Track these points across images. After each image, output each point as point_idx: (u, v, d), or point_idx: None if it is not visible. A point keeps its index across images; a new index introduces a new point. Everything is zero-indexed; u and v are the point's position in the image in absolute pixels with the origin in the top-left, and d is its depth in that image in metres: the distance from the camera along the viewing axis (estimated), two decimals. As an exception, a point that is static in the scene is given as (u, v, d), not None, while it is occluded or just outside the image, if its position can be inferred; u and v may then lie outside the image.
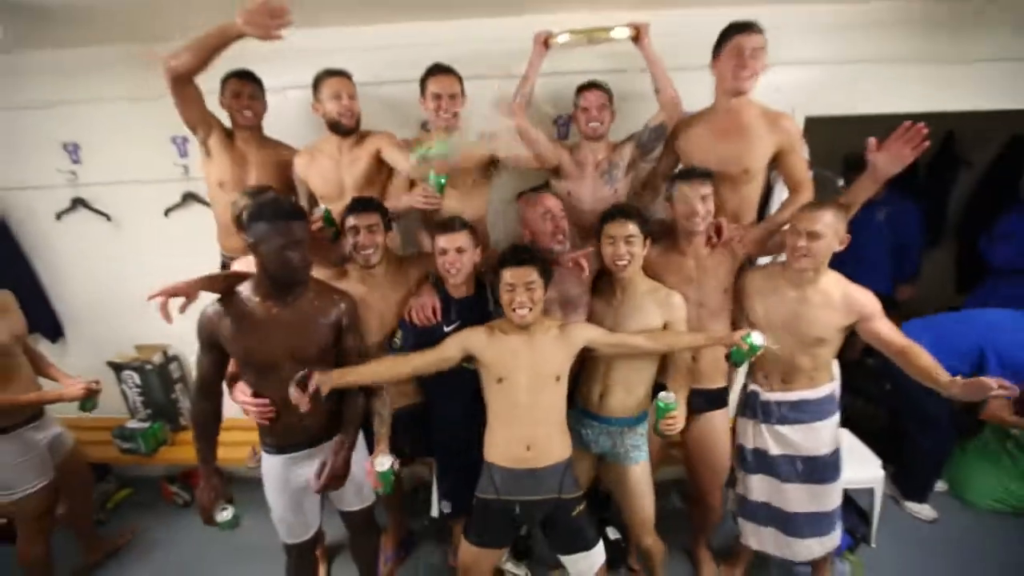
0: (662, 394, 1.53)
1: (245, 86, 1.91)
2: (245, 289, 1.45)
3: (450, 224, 1.67)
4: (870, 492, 2.16)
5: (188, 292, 1.38)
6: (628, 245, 1.58)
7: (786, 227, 1.61)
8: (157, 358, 2.51)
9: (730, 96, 1.71)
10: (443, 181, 1.70)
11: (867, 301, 1.57)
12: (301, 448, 1.57)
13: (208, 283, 1.43)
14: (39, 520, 1.93)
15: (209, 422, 1.53)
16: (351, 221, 1.63)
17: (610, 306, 1.68)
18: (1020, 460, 2.33)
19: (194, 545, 2.37)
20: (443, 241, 1.65)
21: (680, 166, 1.88)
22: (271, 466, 1.59)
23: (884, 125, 2.54)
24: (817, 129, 2.07)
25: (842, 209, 1.53)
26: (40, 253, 2.52)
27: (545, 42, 1.82)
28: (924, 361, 1.49)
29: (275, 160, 1.98)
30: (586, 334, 1.59)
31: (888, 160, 1.49)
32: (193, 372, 2.60)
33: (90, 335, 2.64)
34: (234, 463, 2.47)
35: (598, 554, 1.61)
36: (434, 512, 1.93)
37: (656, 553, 1.80)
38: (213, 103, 1.89)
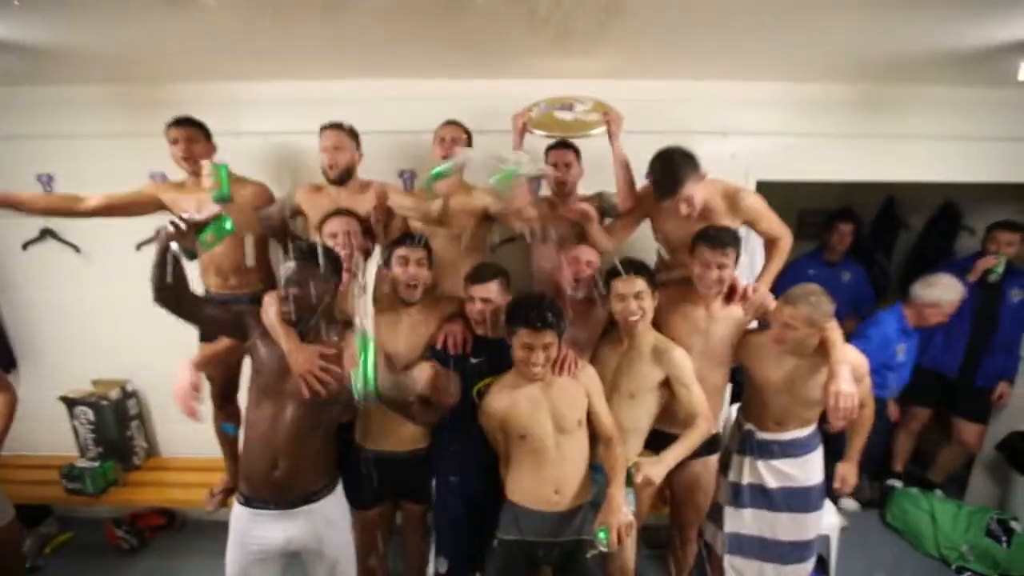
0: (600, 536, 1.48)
1: (182, 132, 1.93)
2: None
3: (480, 274, 1.70)
4: (827, 539, 2.21)
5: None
6: (638, 300, 1.62)
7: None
8: (114, 393, 2.43)
9: None
10: (439, 172, 1.70)
11: (860, 363, 1.66)
12: (269, 506, 1.47)
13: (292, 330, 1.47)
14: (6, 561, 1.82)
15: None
16: (401, 252, 1.66)
17: (615, 352, 1.72)
18: (938, 509, 2.47)
19: (138, 595, 2.24)
20: (474, 291, 1.68)
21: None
22: (237, 517, 1.51)
23: (831, 187, 2.77)
24: (768, 189, 2.24)
25: (820, 301, 1.59)
26: (1, 283, 2.46)
27: (523, 127, 1.91)
28: (867, 422, 1.77)
29: (241, 201, 1.98)
30: (593, 384, 1.61)
31: None
32: (152, 408, 2.57)
33: (45, 368, 2.55)
34: (191, 505, 2.39)
35: None
36: (430, 571, 1.84)
37: None
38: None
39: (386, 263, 1.69)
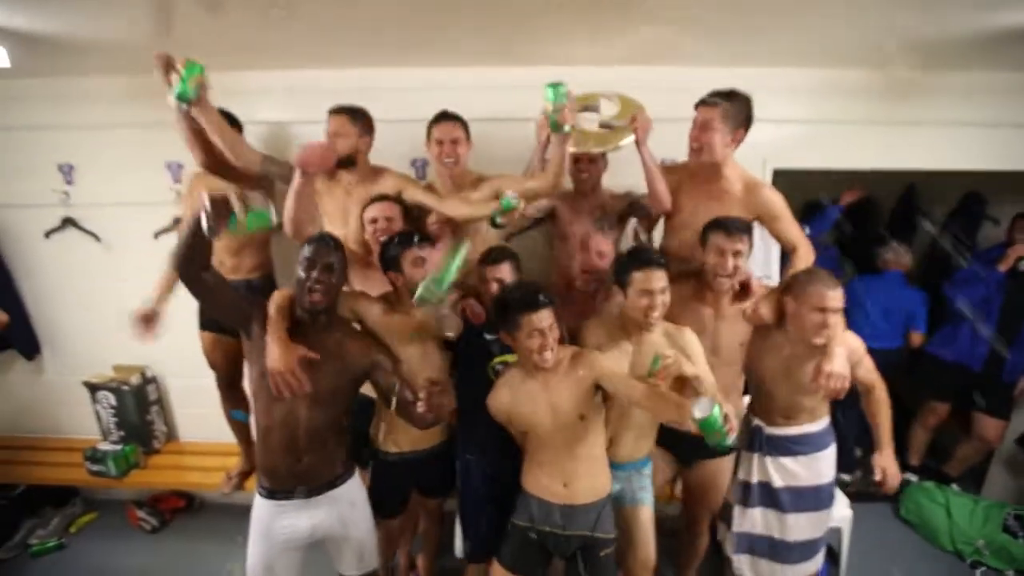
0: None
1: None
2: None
3: (494, 256, 1.72)
4: (838, 532, 2.20)
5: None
6: (662, 295, 1.54)
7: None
8: (135, 379, 2.50)
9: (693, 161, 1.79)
10: (513, 203, 1.72)
11: (857, 346, 1.65)
12: (293, 496, 1.47)
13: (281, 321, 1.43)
14: None
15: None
16: (417, 253, 1.61)
17: (627, 344, 1.64)
18: (954, 504, 2.44)
19: (158, 574, 2.31)
20: (489, 272, 1.70)
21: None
22: (259, 511, 1.51)
23: (851, 177, 2.71)
24: (786, 179, 2.20)
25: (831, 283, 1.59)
26: (24, 270, 2.52)
27: (547, 139, 1.84)
28: (883, 407, 1.70)
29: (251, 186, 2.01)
30: (597, 367, 1.51)
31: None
32: (171, 394, 2.63)
33: (68, 354, 2.62)
34: (209, 488, 2.45)
35: None
36: (457, 552, 1.88)
37: None
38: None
39: (390, 266, 1.65)
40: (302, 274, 1.42)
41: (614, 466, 1.69)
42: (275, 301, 1.46)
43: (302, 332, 1.44)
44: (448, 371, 1.75)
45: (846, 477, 2.69)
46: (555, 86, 1.59)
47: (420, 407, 1.32)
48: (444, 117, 1.92)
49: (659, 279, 1.53)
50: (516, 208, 1.72)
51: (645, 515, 1.72)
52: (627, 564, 1.74)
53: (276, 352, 1.37)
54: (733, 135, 1.73)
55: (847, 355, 1.60)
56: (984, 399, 2.58)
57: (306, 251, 1.44)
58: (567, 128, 1.61)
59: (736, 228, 1.61)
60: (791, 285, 1.65)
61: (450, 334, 1.67)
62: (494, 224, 1.77)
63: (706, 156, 1.73)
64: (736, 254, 1.60)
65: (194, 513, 2.70)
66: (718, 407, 1.23)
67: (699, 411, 1.24)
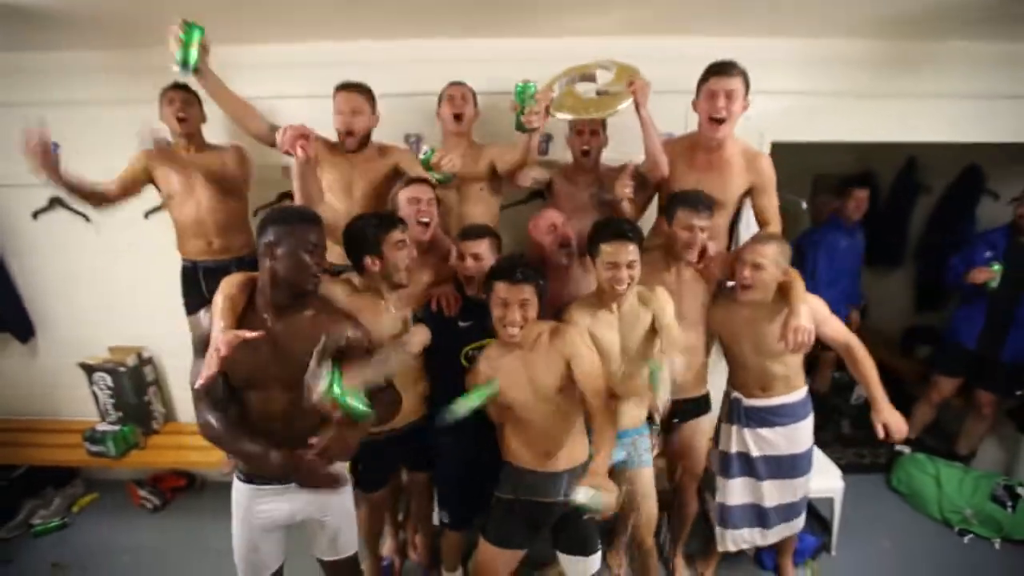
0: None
1: (178, 94, 1.96)
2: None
3: (471, 231, 1.72)
4: (830, 501, 2.24)
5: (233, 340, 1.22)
6: (630, 269, 1.54)
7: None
8: (131, 360, 2.49)
9: (708, 136, 1.78)
10: (428, 155, 1.79)
11: (817, 308, 1.67)
12: (269, 482, 1.42)
13: (231, 310, 1.30)
14: None
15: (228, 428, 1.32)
16: (398, 236, 1.54)
17: (609, 320, 1.65)
18: (943, 474, 2.48)
19: (162, 552, 2.34)
20: (465, 247, 1.69)
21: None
22: (238, 495, 1.46)
23: (849, 150, 2.67)
24: (784, 153, 2.17)
25: (784, 243, 1.66)
26: (14, 251, 2.49)
27: (546, 111, 1.82)
28: (864, 362, 1.66)
29: (218, 164, 2.03)
30: (570, 347, 1.51)
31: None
32: (168, 374, 2.62)
33: (63, 336, 2.60)
34: (209, 467, 2.47)
35: (595, 561, 1.64)
36: (435, 520, 1.93)
37: (654, 554, 1.86)
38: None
39: (370, 249, 1.55)
40: (307, 259, 1.29)
41: (620, 434, 1.70)
42: (225, 293, 1.30)
43: (273, 314, 1.33)
44: (420, 359, 1.70)
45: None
46: (523, 87, 1.60)
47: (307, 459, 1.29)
48: (459, 83, 2.00)
49: (628, 252, 1.53)
50: (432, 160, 1.78)
51: (648, 475, 1.79)
52: (633, 524, 1.80)
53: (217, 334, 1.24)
54: (744, 104, 1.75)
55: (811, 314, 1.64)
56: (989, 377, 2.52)
57: (312, 236, 1.30)
58: (534, 126, 1.65)
59: (703, 204, 1.67)
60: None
61: (414, 350, 1.60)
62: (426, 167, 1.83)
63: (728, 126, 1.74)
64: (702, 229, 1.67)
65: (195, 492, 2.73)
66: (597, 495, 1.33)
67: (581, 496, 1.33)
